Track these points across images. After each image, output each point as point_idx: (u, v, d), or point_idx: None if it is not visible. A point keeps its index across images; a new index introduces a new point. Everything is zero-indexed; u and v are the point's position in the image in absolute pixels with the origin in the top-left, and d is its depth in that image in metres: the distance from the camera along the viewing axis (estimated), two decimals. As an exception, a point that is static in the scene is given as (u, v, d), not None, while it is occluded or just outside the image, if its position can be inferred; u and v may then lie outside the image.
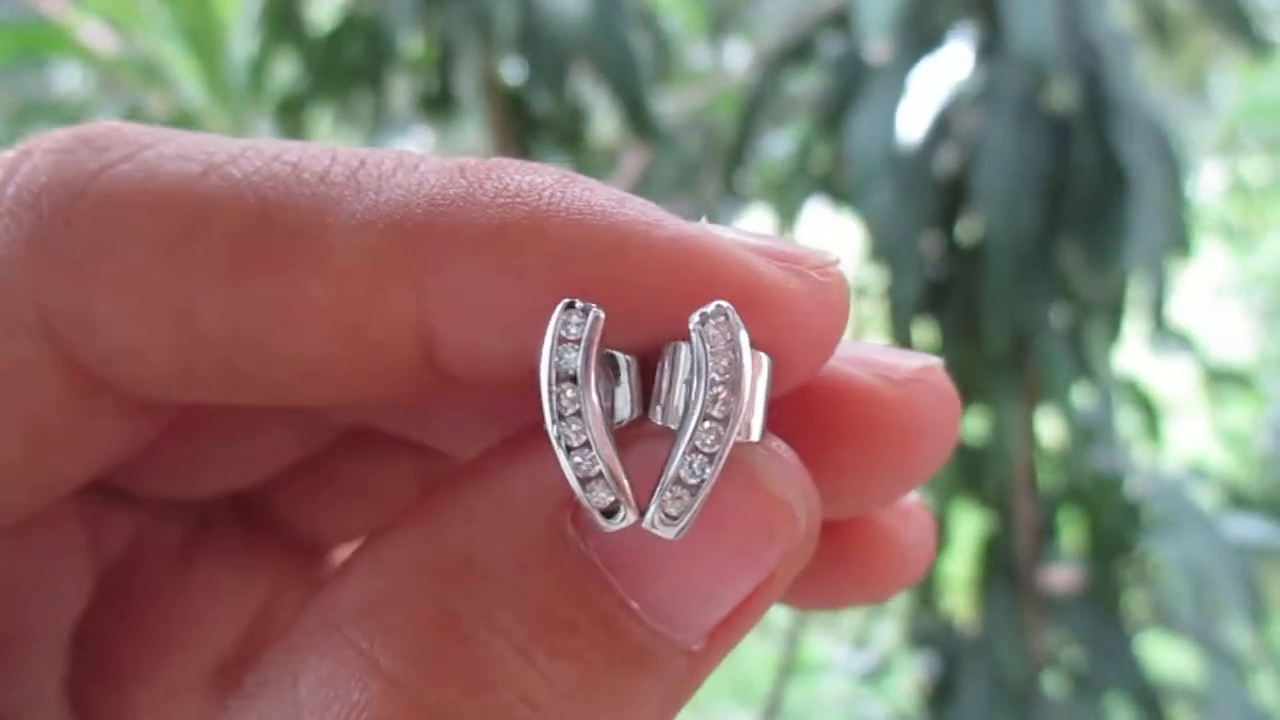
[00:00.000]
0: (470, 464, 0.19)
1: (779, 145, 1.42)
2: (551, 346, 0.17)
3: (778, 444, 0.19)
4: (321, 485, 0.27)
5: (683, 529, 0.18)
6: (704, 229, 0.19)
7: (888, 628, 1.67)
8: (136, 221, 0.18)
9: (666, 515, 0.18)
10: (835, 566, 0.23)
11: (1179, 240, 0.99)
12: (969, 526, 1.17)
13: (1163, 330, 1.03)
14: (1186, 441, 2.19)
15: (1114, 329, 1.02)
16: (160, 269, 0.18)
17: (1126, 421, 1.20)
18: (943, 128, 1.02)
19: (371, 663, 0.17)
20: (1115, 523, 1.11)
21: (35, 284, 0.18)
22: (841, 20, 1.09)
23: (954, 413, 0.22)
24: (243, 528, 0.27)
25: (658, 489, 0.18)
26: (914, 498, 0.24)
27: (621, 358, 0.19)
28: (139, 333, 0.18)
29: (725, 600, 0.18)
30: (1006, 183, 0.93)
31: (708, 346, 0.18)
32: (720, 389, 0.18)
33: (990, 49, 1.00)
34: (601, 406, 0.18)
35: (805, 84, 1.28)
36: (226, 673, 0.27)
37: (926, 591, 1.16)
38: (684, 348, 0.18)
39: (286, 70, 1.33)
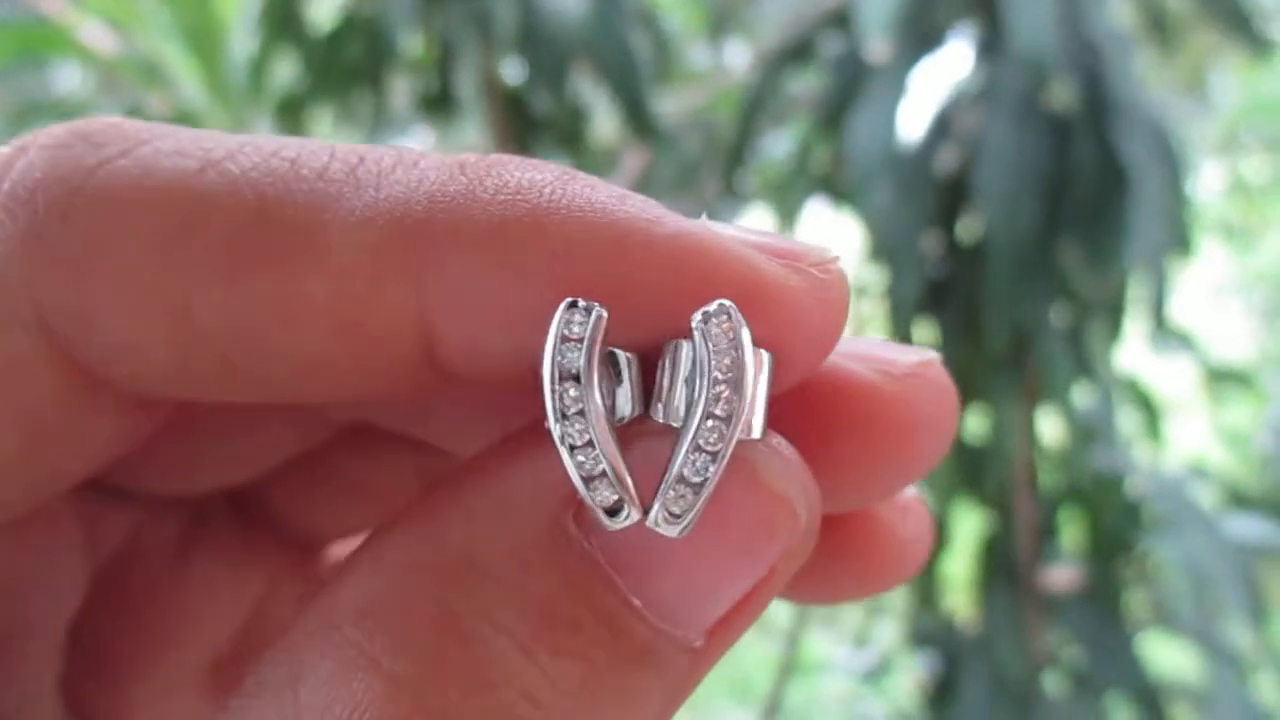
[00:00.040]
0: (470, 462, 0.19)
1: (779, 145, 1.42)
2: (554, 345, 0.17)
3: (778, 441, 0.19)
4: (319, 481, 0.27)
5: (686, 527, 0.18)
6: (704, 226, 0.19)
7: (888, 627, 1.67)
8: (133, 217, 0.18)
9: (670, 513, 0.18)
10: (834, 560, 0.23)
11: (1179, 239, 0.99)
12: (969, 526, 1.17)
13: (1163, 329, 1.03)
14: (1187, 441, 2.19)
15: (1114, 328, 1.02)
16: (157, 265, 0.18)
17: (1127, 421, 1.20)
18: (943, 127, 1.02)
19: (373, 662, 0.17)
20: (1115, 522, 1.11)
21: (31, 280, 0.18)
22: (841, 20, 1.09)
23: (952, 407, 0.22)
24: (238, 524, 0.27)
25: (661, 487, 0.18)
26: (912, 492, 0.24)
27: (622, 355, 0.19)
28: (136, 329, 0.18)
29: (726, 597, 0.19)
30: (1006, 182, 0.93)
31: (710, 345, 0.18)
32: (723, 387, 0.18)
33: (990, 48, 1.00)
34: (604, 405, 0.18)
35: (805, 84, 1.28)
36: (222, 669, 0.27)
37: (927, 591, 1.16)
38: (685, 345, 0.18)
39: (286, 70, 1.33)
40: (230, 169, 0.18)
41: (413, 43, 1.32)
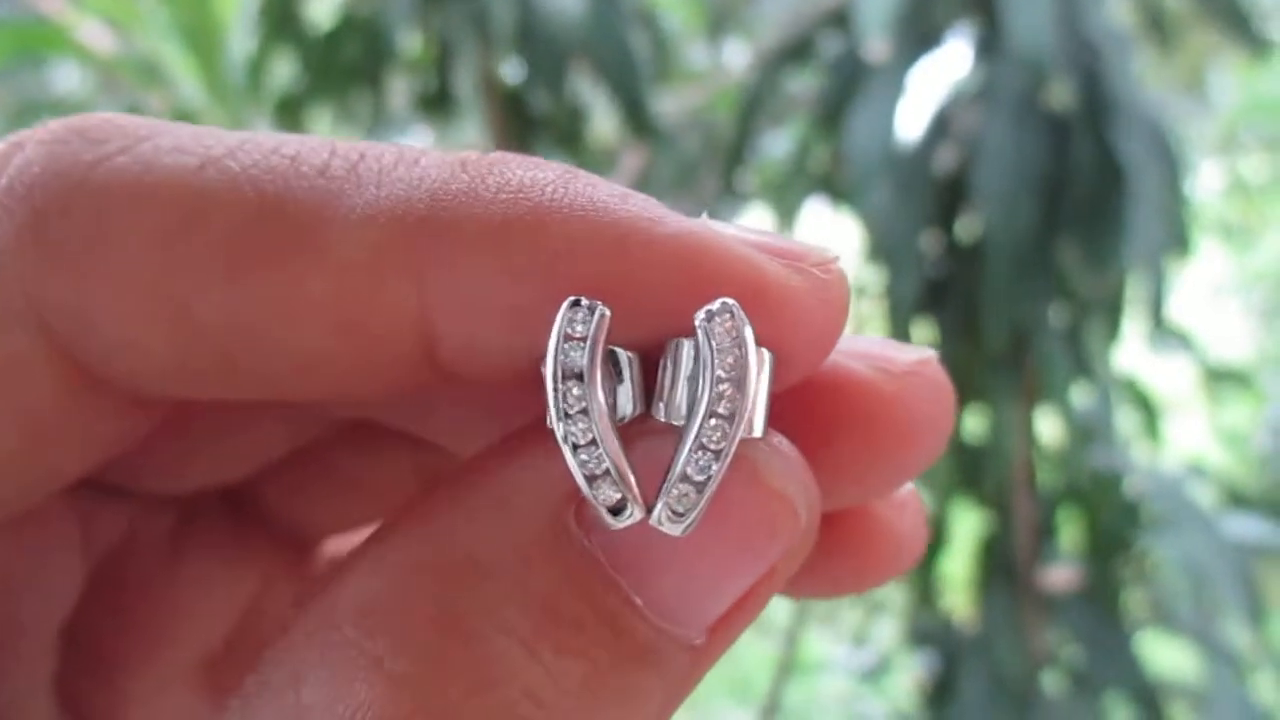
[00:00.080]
0: (471, 461, 0.19)
1: (778, 144, 1.42)
2: (557, 344, 0.17)
3: (779, 439, 0.19)
4: (314, 478, 0.27)
5: (689, 526, 0.18)
6: (706, 225, 0.19)
7: (887, 626, 1.68)
8: (133, 214, 0.18)
9: (673, 512, 0.18)
10: (831, 556, 0.23)
11: (1178, 239, 0.99)
12: (968, 525, 1.17)
13: (1161, 329, 1.03)
14: (1185, 440, 2.19)
15: (1113, 328, 1.02)
16: (157, 263, 0.18)
17: (1125, 420, 1.20)
18: (941, 127, 1.02)
19: (375, 662, 0.17)
20: (1114, 521, 1.11)
21: (29, 277, 0.18)
22: (840, 19, 1.09)
23: (950, 405, 0.22)
24: (232, 520, 0.27)
25: (665, 486, 0.18)
26: (908, 487, 0.24)
27: (623, 354, 0.19)
28: (135, 327, 0.18)
29: (727, 595, 0.19)
30: (1005, 181, 0.93)
31: (714, 343, 0.18)
32: (726, 386, 0.18)
33: (989, 48, 1.00)
34: (607, 404, 0.18)
35: (804, 83, 1.28)
36: (216, 666, 0.27)
37: (926, 590, 1.16)
38: (686, 344, 0.18)
39: (285, 70, 1.33)
40: (230, 166, 0.18)
41: (411, 42, 1.32)
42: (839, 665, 1.85)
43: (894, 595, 1.53)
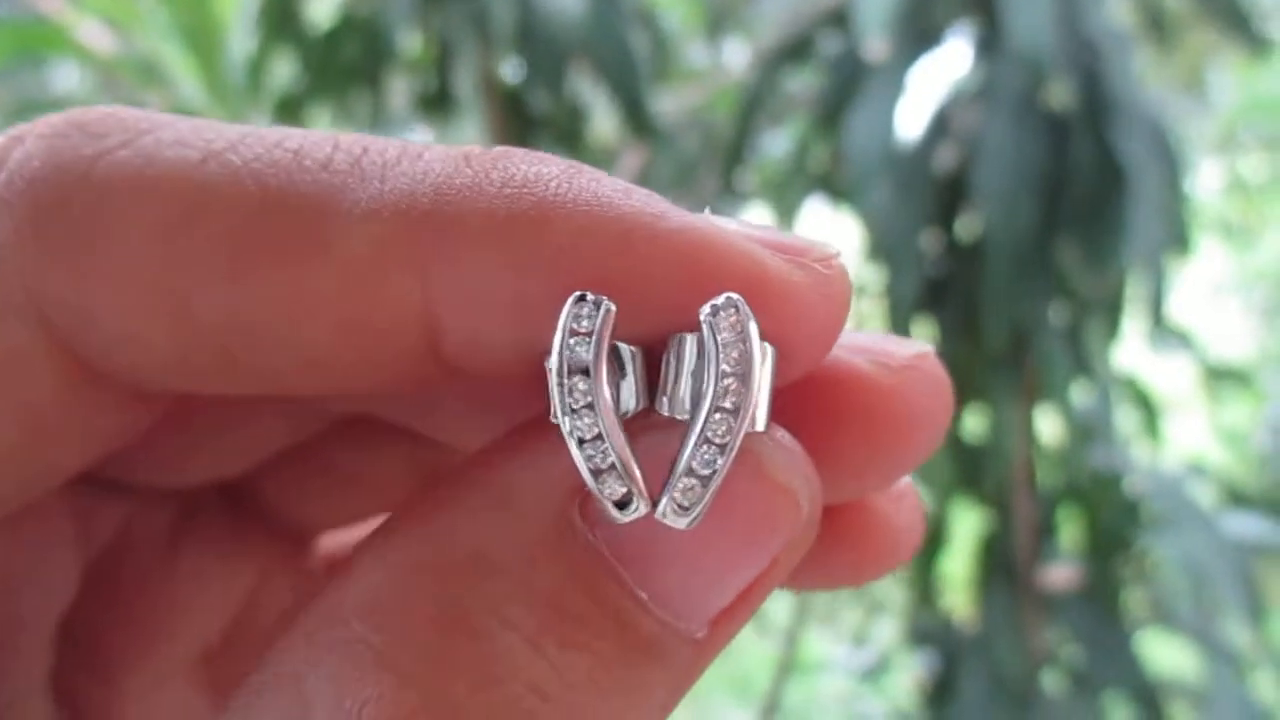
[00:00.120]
0: (474, 457, 0.19)
1: (777, 144, 1.42)
2: (562, 339, 0.17)
3: (781, 433, 0.19)
4: (311, 473, 0.27)
5: (695, 519, 0.18)
6: (709, 221, 0.19)
7: (886, 626, 1.68)
8: (134, 209, 0.18)
9: (679, 506, 0.18)
10: (829, 549, 0.23)
11: (1177, 238, 0.99)
12: (968, 525, 1.17)
13: (1161, 328, 1.03)
14: (1185, 439, 2.19)
15: (1113, 327, 1.02)
16: (159, 258, 0.18)
17: (1125, 419, 1.20)
18: (941, 126, 1.02)
19: (380, 658, 0.17)
20: (1114, 520, 1.11)
21: (29, 272, 0.18)
22: (840, 18, 1.09)
23: (948, 399, 0.22)
24: (229, 515, 0.27)
25: (670, 480, 0.18)
26: (905, 480, 0.24)
27: (626, 349, 0.19)
28: (136, 321, 0.18)
29: (730, 588, 0.19)
30: (1005, 181, 0.93)
31: (718, 338, 0.18)
32: (731, 380, 0.18)
33: (989, 47, 1.00)
34: (612, 399, 0.18)
35: (804, 82, 1.28)
36: (213, 661, 0.27)
37: (925, 589, 1.16)
38: (689, 339, 0.18)
39: (285, 69, 1.33)
40: (232, 160, 0.18)
41: (411, 42, 1.32)
42: (839, 665, 1.85)
43: (894, 595, 1.53)
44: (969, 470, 1.10)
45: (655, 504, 0.18)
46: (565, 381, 0.18)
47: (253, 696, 0.17)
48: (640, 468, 0.18)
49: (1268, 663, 1.15)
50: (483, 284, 0.18)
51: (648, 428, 0.19)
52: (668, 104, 1.38)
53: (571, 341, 0.18)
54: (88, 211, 0.18)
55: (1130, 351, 1.26)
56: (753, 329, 0.18)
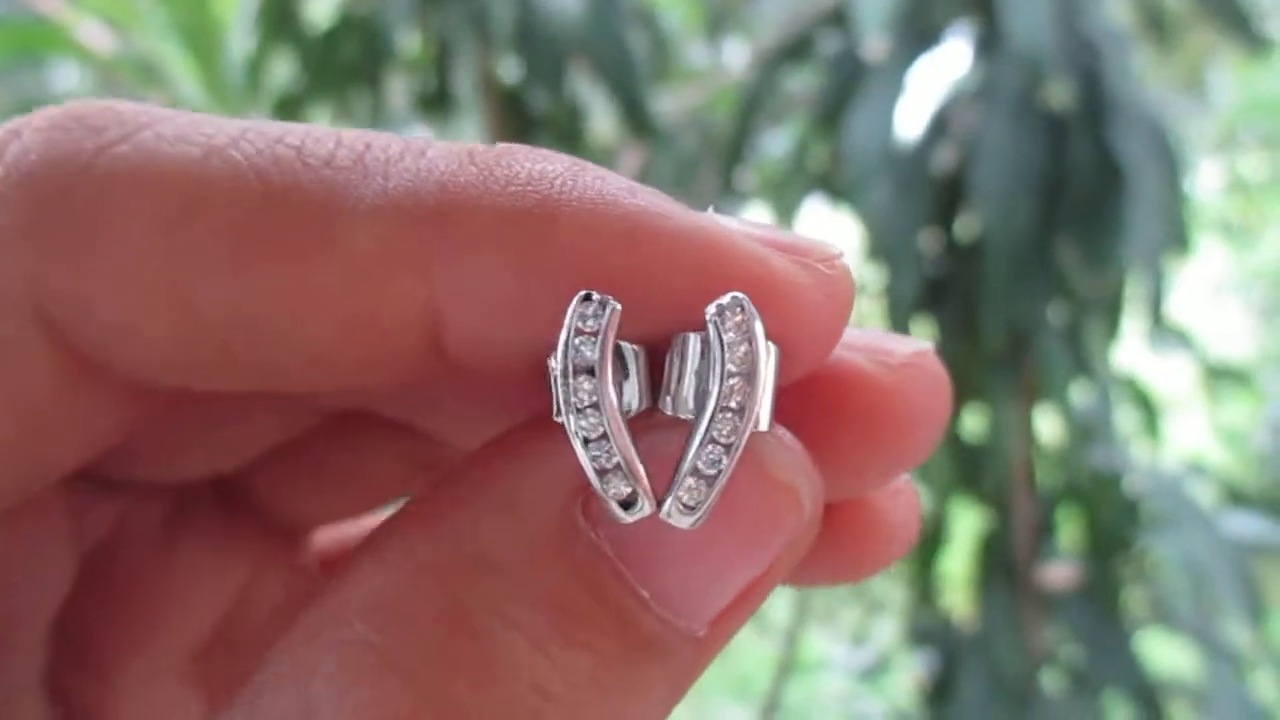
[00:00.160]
0: (475, 456, 0.19)
1: (777, 143, 1.42)
2: (568, 338, 0.17)
3: (783, 432, 0.19)
4: (304, 468, 0.27)
5: (699, 519, 0.18)
6: (713, 220, 0.19)
7: (886, 625, 1.68)
8: (135, 204, 0.18)
9: (684, 505, 0.18)
10: (827, 545, 0.23)
11: (1177, 237, 0.99)
12: (967, 524, 1.17)
13: (1161, 327, 1.03)
14: (1185, 439, 2.19)
15: (1112, 326, 1.02)
16: (160, 253, 0.18)
17: (1125, 419, 1.20)
18: (940, 125, 1.02)
19: (383, 657, 0.17)
20: (1114, 520, 1.11)
21: (29, 266, 0.18)
22: (839, 18, 1.09)
23: (947, 396, 0.22)
24: (223, 510, 0.27)
25: (676, 480, 0.18)
26: (903, 476, 0.24)
27: (629, 348, 0.19)
28: (137, 316, 0.18)
29: (731, 587, 0.19)
30: (1004, 180, 0.93)
31: (724, 338, 0.18)
32: (736, 380, 0.18)
33: (988, 47, 1.00)
34: (617, 399, 0.18)
35: (803, 82, 1.28)
36: (205, 657, 0.26)
37: (925, 589, 1.16)
38: (693, 338, 0.18)
39: (284, 69, 1.33)
40: (234, 155, 0.18)
41: (410, 41, 1.32)
42: (838, 664, 1.85)
43: (893, 594, 1.53)
44: (969, 470, 1.10)
45: (660, 504, 0.18)
46: (570, 381, 0.18)
47: (255, 697, 0.17)
48: (645, 468, 0.18)
49: (1267, 662, 1.15)
50: (487, 282, 0.18)
51: (651, 427, 0.19)
52: (667, 104, 1.38)
53: (577, 341, 0.17)
54: (88, 205, 0.18)
55: (1130, 351, 1.26)
56: (759, 329, 0.18)
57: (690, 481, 0.18)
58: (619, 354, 0.18)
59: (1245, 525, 1.15)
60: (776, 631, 1.71)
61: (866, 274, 1.12)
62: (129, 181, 0.18)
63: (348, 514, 0.28)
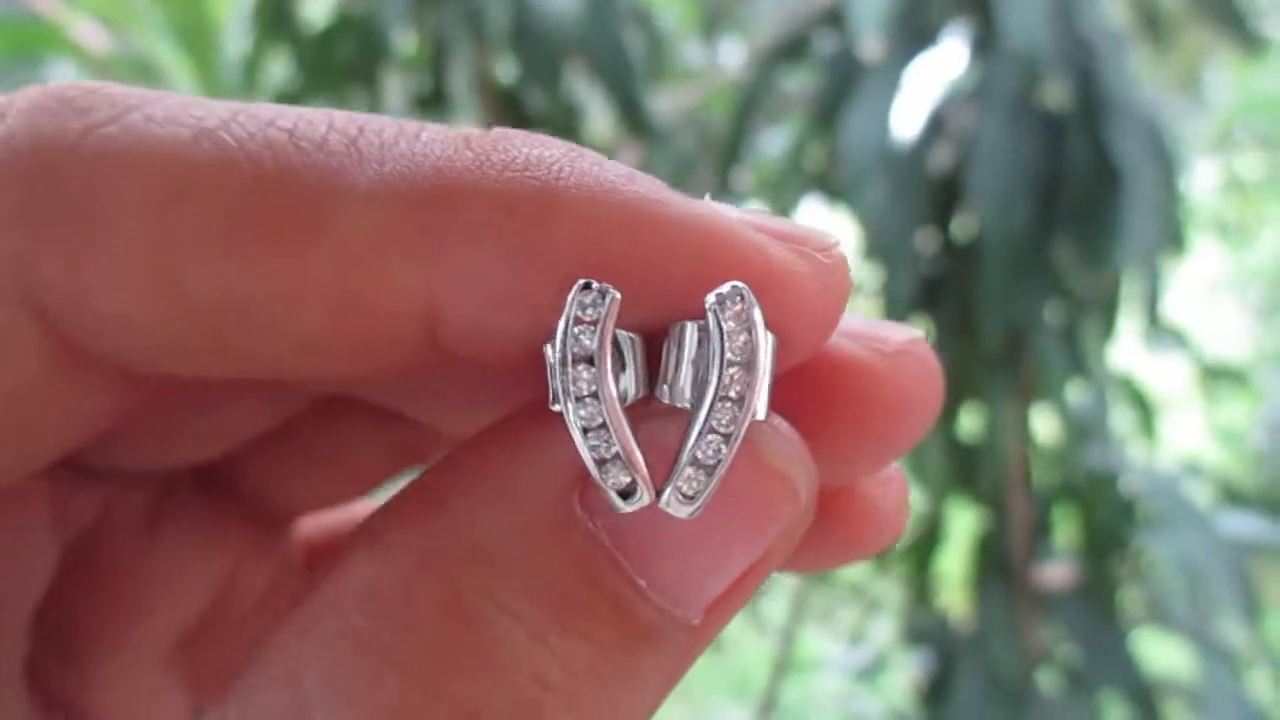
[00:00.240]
0: (470, 445, 0.19)
1: (774, 143, 1.42)
2: (567, 327, 0.17)
3: (779, 421, 0.19)
4: (291, 455, 0.27)
5: (698, 509, 0.18)
6: (712, 208, 0.18)
7: (883, 625, 1.68)
8: (126, 186, 0.17)
9: (683, 495, 0.18)
10: (819, 532, 0.23)
11: (1173, 237, 0.99)
12: (964, 524, 1.17)
13: (1157, 327, 1.03)
14: (1181, 438, 2.19)
15: (1108, 326, 1.02)
16: (151, 238, 0.17)
17: (1121, 418, 1.20)
18: (937, 125, 1.02)
19: (379, 649, 0.17)
20: (1110, 519, 1.11)
21: (17, 250, 0.18)
22: (835, 18, 1.09)
23: (938, 384, 0.22)
24: (206, 498, 0.27)
25: (675, 469, 0.18)
26: (893, 465, 0.24)
27: (625, 336, 0.18)
28: (128, 302, 0.18)
29: (727, 575, 0.19)
30: (1001, 180, 0.93)
31: (724, 326, 0.18)
32: (736, 369, 0.18)
33: (984, 46, 1.00)
34: (616, 388, 0.18)
35: (799, 81, 1.28)
36: (188, 647, 0.26)
37: (921, 589, 1.16)
38: (690, 327, 0.18)
39: (280, 69, 1.33)
40: (225, 138, 0.18)
41: (406, 41, 1.32)
42: (835, 663, 1.85)
43: (890, 594, 1.53)
44: (965, 469, 1.10)
45: (659, 493, 0.18)
46: (569, 370, 0.17)
47: (251, 689, 0.17)
48: (643, 456, 0.18)
49: (1263, 661, 1.15)
50: (483, 270, 0.18)
51: (648, 416, 0.19)
52: (664, 103, 1.38)
53: (576, 330, 0.17)
54: (77, 187, 0.17)
55: (1126, 351, 1.26)
56: (758, 318, 0.18)
57: (689, 471, 0.18)
58: (615, 343, 0.18)
59: (1241, 525, 1.15)
60: (774, 630, 1.71)
61: (863, 274, 1.12)
62: (118, 163, 0.17)
63: (334, 501, 0.28)
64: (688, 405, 0.18)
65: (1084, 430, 1.10)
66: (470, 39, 1.24)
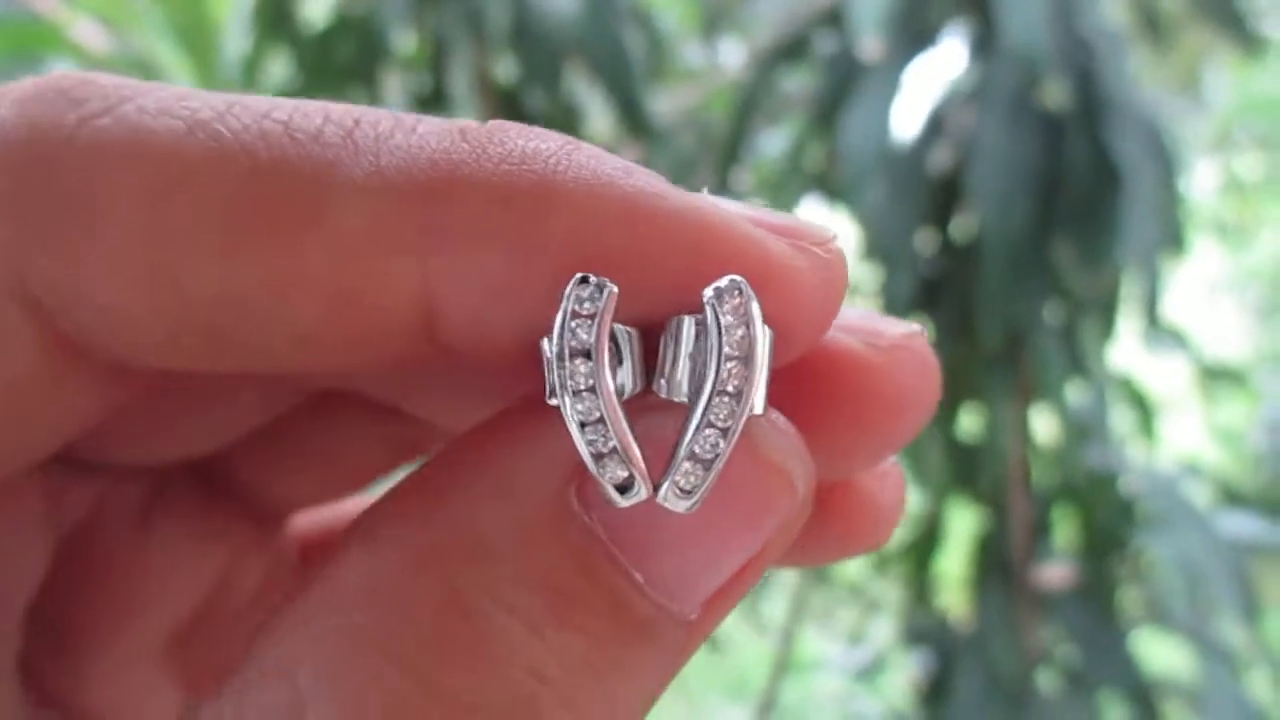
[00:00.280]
0: (466, 439, 0.19)
1: (773, 143, 1.42)
2: (564, 321, 0.17)
3: (776, 415, 0.19)
4: (285, 449, 0.27)
5: (695, 503, 0.18)
6: (710, 202, 0.18)
7: (882, 625, 1.68)
8: (121, 178, 0.17)
9: (680, 490, 0.18)
10: (815, 526, 0.23)
11: (1172, 237, 0.99)
12: (963, 524, 1.17)
13: (1156, 327, 1.03)
14: (1180, 439, 2.19)
15: (1108, 326, 1.02)
16: (146, 231, 0.17)
17: (1120, 419, 1.20)
18: (936, 125, 1.02)
19: (376, 643, 0.17)
20: (1109, 520, 1.11)
21: (11, 244, 0.18)
22: (835, 18, 1.09)
23: (935, 378, 0.22)
24: (200, 493, 0.27)
25: (672, 464, 0.18)
26: (890, 459, 0.24)
27: (622, 330, 0.18)
28: (123, 296, 0.18)
29: (724, 570, 0.19)
30: (1000, 180, 0.93)
31: (722, 321, 0.18)
32: (734, 364, 0.18)
33: (983, 46, 1.00)
34: (614, 382, 0.18)
35: (799, 82, 1.28)
36: (182, 643, 0.26)
37: (921, 589, 1.16)
38: (687, 321, 0.18)
39: (280, 69, 1.33)
40: (220, 130, 0.17)
41: (406, 41, 1.32)
42: (835, 664, 1.85)
43: (889, 594, 1.53)
44: (964, 469, 1.10)
45: (656, 488, 0.18)
46: (567, 364, 0.17)
47: (247, 684, 0.17)
48: (641, 450, 0.18)
49: (1262, 662, 1.15)
50: (480, 263, 0.17)
51: (646, 410, 0.19)
52: (663, 103, 1.38)
53: (573, 324, 0.17)
54: (71, 179, 0.17)
55: (1125, 351, 1.26)
56: (756, 312, 0.18)
57: (687, 466, 0.18)
58: (612, 336, 0.18)
59: (1240, 525, 1.15)
60: (773, 630, 1.71)
61: (862, 274, 1.12)
62: (112, 155, 0.17)
63: (329, 497, 0.28)
64: (685, 400, 0.18)
65: (1083, 430, 1.10)
66: (470, 39, 1.24)
